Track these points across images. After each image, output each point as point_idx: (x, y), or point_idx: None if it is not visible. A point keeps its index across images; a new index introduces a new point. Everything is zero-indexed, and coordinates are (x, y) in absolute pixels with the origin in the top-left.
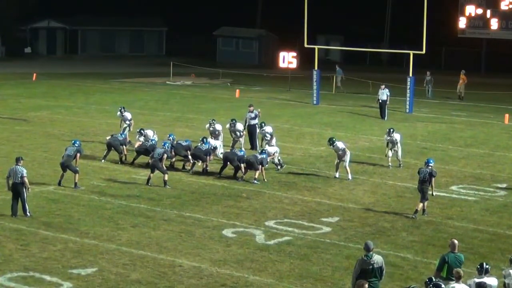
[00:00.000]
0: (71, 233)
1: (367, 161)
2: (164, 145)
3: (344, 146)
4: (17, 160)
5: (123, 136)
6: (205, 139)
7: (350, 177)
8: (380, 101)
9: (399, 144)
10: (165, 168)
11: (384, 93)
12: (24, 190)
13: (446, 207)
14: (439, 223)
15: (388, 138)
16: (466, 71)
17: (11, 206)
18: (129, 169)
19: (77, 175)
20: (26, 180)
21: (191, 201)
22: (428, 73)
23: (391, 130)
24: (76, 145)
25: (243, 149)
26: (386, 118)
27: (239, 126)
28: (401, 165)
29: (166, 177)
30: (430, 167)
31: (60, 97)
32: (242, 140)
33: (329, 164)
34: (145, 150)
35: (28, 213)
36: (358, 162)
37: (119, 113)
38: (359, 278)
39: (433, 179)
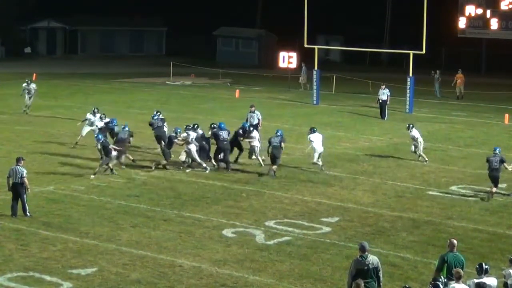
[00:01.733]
0: (71, 233)
1: (367, 161)
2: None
3: (315, 141)
4: (18, 160)
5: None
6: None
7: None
8: (381, 101)
9: (419, 140)
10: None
11: (384, 93)
12: (24, 190)
13: (446, 207)
14: (439, 223)
15: (410, 134)
16: (466, 71)
17: (11, 206)
18: (129, 169)
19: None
20: (26, 180)
21: (191, 201)
22: (438, 72)
23: (410, 125)
24: (127, 129)
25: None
26: (386, 118)
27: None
28: (426, 160)
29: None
30: (498, 154)
31: (60, 97)
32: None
33: (329, 164)
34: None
35: (27, 213)
36: (358, 162)
37: (89, 114)
38: (355, 279)
39: (504, 164)
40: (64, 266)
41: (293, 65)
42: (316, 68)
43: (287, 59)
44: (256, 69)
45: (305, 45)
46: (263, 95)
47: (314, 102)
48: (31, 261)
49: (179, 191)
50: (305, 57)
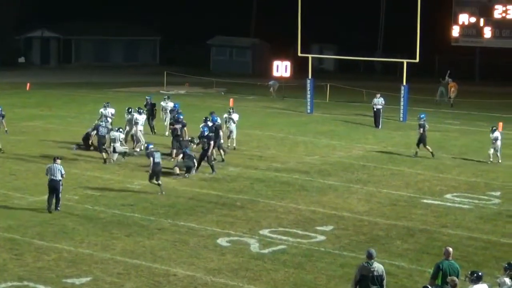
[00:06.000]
0: (65, 242)
1: (361, 169)
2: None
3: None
4: (55, 159)
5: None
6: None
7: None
8: (375, 109)
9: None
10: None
11: (379, 102)
12: (61, 186)
13: (440, 215)
14: (434, 231)
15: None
16: (460, 80)
17: (47, 201)
18: (123, 179)
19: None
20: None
21: (185, 210)
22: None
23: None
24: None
25: None
26: (380, 126)
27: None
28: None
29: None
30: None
31: (54, 107)
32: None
33: (323, 173)
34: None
35: (58, 208)
36: (352, 170)
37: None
38: (358, 283)
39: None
40: (58, 275)
41: (287, 74)
42: (310, 77)
43: (282, 68)
44: (250, 78)
45: (299, 54)
46: (257, 104)
47: (308, 111)
48: (26, 270)
49: (174, 200)
50: (299, 66)
